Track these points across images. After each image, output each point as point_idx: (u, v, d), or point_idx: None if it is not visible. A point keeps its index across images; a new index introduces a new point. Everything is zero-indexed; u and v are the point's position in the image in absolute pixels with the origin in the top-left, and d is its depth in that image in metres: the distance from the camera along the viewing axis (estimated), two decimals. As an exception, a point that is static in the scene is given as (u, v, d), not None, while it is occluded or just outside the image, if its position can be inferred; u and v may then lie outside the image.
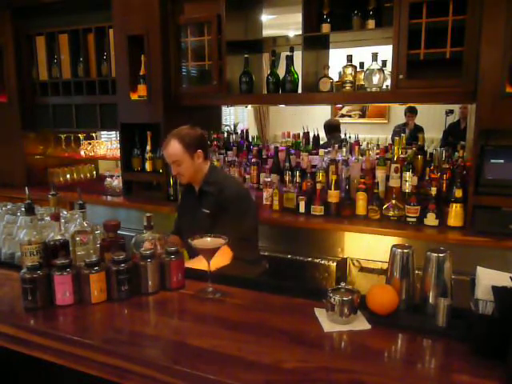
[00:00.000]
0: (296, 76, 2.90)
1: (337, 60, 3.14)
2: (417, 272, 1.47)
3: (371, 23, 2.65)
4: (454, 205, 2.45)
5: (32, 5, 3.59)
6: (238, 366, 1.17)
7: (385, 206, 2.63)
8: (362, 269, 2.60)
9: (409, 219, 2.55)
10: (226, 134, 3.63)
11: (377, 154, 2.85)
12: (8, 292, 1.65)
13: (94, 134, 4.00)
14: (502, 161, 2.39)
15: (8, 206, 2.13)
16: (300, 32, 2.76)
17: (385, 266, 2.35)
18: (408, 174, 2.57)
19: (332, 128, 4.61)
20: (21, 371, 1.79)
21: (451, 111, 5.52)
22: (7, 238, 1.94)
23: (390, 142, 3.09)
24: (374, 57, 2.72)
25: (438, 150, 2.82)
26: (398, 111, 6.97)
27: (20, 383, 1.85)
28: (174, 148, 2.19)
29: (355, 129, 4.82)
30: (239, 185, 2.57)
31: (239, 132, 3.75)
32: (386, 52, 2.71)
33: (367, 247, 2.60)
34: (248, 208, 2.27)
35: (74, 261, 1.60)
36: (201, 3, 3.07)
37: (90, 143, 3.90)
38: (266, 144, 3.79)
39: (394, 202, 2.61)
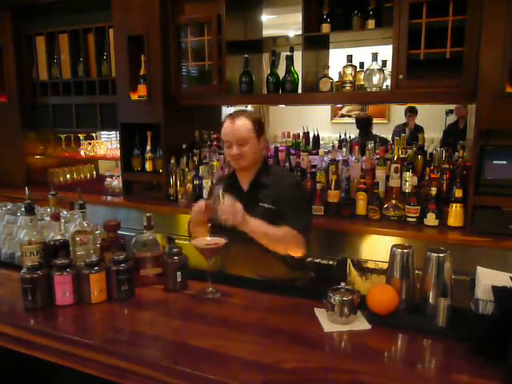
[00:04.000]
0: (296, 76, 2.90)
1: (337, 60, 3.13)
2: (417, 272, 1.47)
3: (371, 23, 2.65)
4: (454, 205, 2.45)
5: (32, 5, 3.59)
6: (238, 366, 1.17)
7: (385, 206, 2.63)
8: (362, 269, 2.60)
9: (409, 219, 2.55)
10: (226, 134, 3.63)
11: (377, 153, 2.85)
12: (8, 292, 1.65)
13: (93, 134, 4.00)
14: (502, 161, 2.38)
15: (8, 206, 2.13)
16: (300, 32, 2.76)
17: (385, 266, 2.35)
18: (408, 174, 2.57)
19: (363, 122, 4.66)
20: (21, 371, 1.79)
21: (451, 111, 5.52)
22: (7, 238, 1.94)
23: (390, 142, 3.08)
24: (374, 57, 2.71)
25: (438, 149, 2.81)
26: (398, 111, 6.96)
27: (20, 383, 1.85)
28: (244, 125, 1.98)
29: (355, 129, 4.82)
30: (292, 174, 2.52)
31: (239, 132, 3.74)
32: (386, 52, 2.70)
33: (367, 247, 2.60)
34: (306, 197, 2.22)
35: (74, 261, 1.60)
36: (201, 3, 3.06)
37: (90, 143, 3.90)
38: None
39: (394, 202, 2.61)
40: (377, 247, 2.55)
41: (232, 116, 2.04)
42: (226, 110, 7.66)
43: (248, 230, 1.82)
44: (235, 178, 2.12)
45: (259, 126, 2.04)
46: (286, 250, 1.92)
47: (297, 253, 1.95)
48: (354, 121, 7.93)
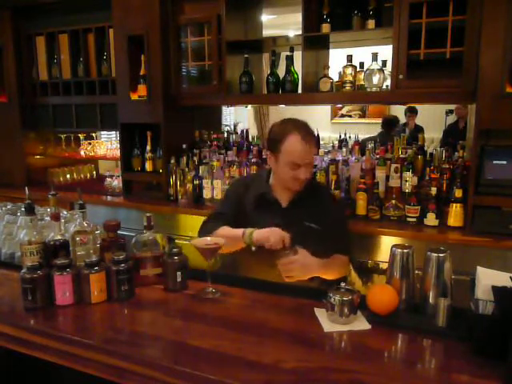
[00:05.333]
0: (296, 76, 2.90)
1: (337, 60, 3.13)
2: (417, 272, 1.47)
3: (371, 23, 2.65)
4: (454, 205, 2.45)
5: (32, 5, 3.59)
6: (238, 365, 1.17)
7: (385, 206, 2.63)
8: (362, 269, 2.60)
9: (409, 219, 2.55)
10: (225, 134, 3.63)
11: (377, 153, 2.85)
12: (8, 292, 1.65)
13: (93, 134, 4.00)
14: (502, 161, 2.39)
15: (8, 206, 2.13)
16: (300, 32, 2.76)
17: (385, 265, 2.35)
18: (408, 174, 2.57)
19: (389, 123, 4.79)
20: (21, 371, 1.79)
21: (451, 111, 5.51)
22: (7, 238, 1.94)
23: (390, 142, 3.08)
24: (374, 57, 2.71)
25: (438, 149, 2.81)
26: (398, 111, 6.96)
27: (20, 383, 1.85)
28: (314, 144, 1.85)
29: (355, 129, 4.82)
30: (329, 189, 2.42)
31: (239, 132, 3.74)
32: (386, 52, 2.70)
33: (367, 247, 2.59)
34: (347, 214, 2.14)
35: (74, 261, 1.60)
36: (201, 3, 3.06)
37: (90, 143, 3.90)
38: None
39: (393, 202, 2.61)
40: (377, 247, 2.55)
41: (300, 132, 1.80)
42: (226, 110, 7.66)
43: (310, 275, 1.78)
44: (271, 192, 1.93)
45: (318, 141, 1.96)
46: (335, 276, 1.88)
47: (341, 274, 1.93)
48: (353, 121, 7.97)
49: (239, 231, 1.81)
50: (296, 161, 1.80)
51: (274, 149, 1.85)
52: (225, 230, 1.86)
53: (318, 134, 3.46)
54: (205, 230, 1.92)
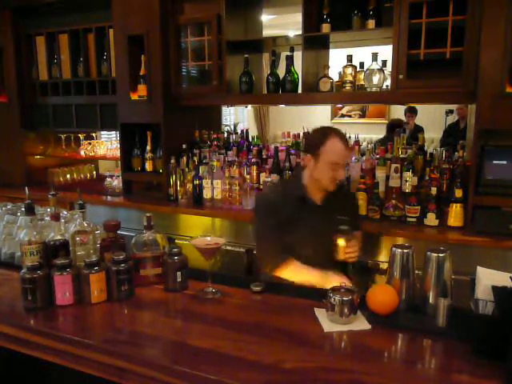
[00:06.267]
0: (296, 76, 2.90)
1: (337, 60, 3.13)
2: (417, 272, 1.47)
3: (371, 23, 2.65)
4: (454, 205, 2.45)
5: (32, 5, 3.58)
6: (238, 365, 1.17)
7: (385, 206, 2.63)
8: (362, 269, 2.60)
9: (409, 219, 2.55)
10: (226, 134, 3.63)
11: (377, 153, 2.85)
12: (8, 292, 1.65)
13: (93, 134, 4.00)
14: (502, 161, 2.39)
15: (8, 206, 2.13)
16: (300, 32, 2.76)
17: (385, 266, 2.35)
18: (408, 174, 2.57)
19: (395, 127, 4.82)
20: (21, 371, 1.79)
21: (451, 111, 5.52)
22: (7, 238, 1.94)
23: (390, 142, 3.08)
24: (374, 57, 2.71)
25: (438, 150, 2.81)
26: (398, 111, 6.96)
27: (20, 383, 1.85)
28: (350, 151, 2.09)
29: (355, 129, 4.81)
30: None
31: (239, 132, 3.74)
32: (386, 52, 2.70)
33: (367, 247, 2.59)
34: None
35: (74, 261, 1.60)
36: (201, 3, 3.06)
37: (90, 143, 3.90)
38: (266, 144, 3.79)
39: (394, 202, 2.60)
40: (377, 247, 2.55)
41: (338, 135, 1.97)
42: (226, 110, 7.65)
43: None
44: (306, 193, 2.07)
45: None
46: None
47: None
48: (353, 121, 7.98)
49: (312, 278, 1.92)
50: (337, 160, 1.95)
51: (314, 152, 1.99)
52: (298, 272, 1.97)
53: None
54: (274, 264, 1.98)
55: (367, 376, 1.12)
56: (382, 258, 2.51)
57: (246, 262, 2.85)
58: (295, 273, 1.95)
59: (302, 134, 3.35)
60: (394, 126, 4.94)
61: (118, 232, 1.69)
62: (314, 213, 2.04)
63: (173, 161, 3.18)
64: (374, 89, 2.72)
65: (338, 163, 1.96)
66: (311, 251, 2.01)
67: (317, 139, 2.01)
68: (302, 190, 2.08)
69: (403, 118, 6.01)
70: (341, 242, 1.92)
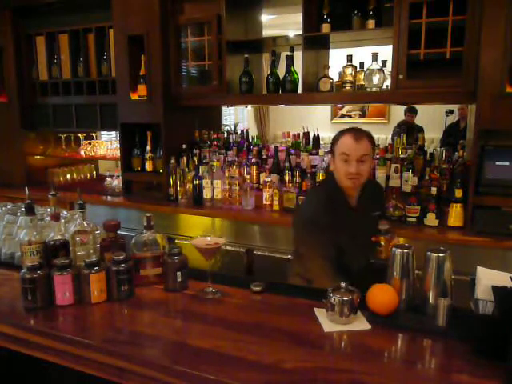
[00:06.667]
0: (296, 76, 2.90)
1: (337, 60, 3.14)
2: (417, 272, 1.47)
3: (371, 23, 2.65)
4: (454, 205, 2.45)
5: (32, 5, 3.59)
6: (238, 365, 1.17)
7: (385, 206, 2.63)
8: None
9: (409, 219, 2.55)
10: (226, 134, 3.63)
11: (377, 153, 2.85)
12: (8, 292, 1.65)
13: (93, 134, 4.00)
14: (502, 161, 2.39)
15: (8, 206, 2.13)
16: (300, 32, 2.76)
17: (385, 266, 2.35)
18: (408, 174, 2.57)
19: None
20: (21, 371, 1.79)
21: (451, 111, 5.52)
22: (7, 238, 1.94)
23: (390, 142, 3.08)
24: (374, 57, 2.72)
25: (438, 150, 2.82)
26: (398, 111, 6.97)
27: (20, 383, 1.85)
28: (366, 143, 1.94)
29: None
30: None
31: (239, 132, 3.75)
32: (386, 52, 2.70)
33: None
34: None
35: (74, 261, 1.60)
36: (201, 3, 3.07)
37: (90, 143, 3.90)
38: (266, 144, 3.79)
39: (394, 201, 2.60)
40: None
41: (351, 132, 1.95)
42: (226, 110, 7.65)
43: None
44: (343, 195, 2.02)
45: (374, 145, 2.02)
46: None
47: None
48: (353, 121, 7.98)
49: None
50: (345, 151, 1.91)
51: (332, 150, 2.02)
52: None
53: (318, 134, 3.47)
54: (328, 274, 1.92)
55: (367, 376, 1.12)
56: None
57: (246, 262, 2.85)
58: None
59: (301, 134, 3.35)
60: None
61: (118, 232, 1.69)
62: (351, 213, 2.02)
63: (173, 161, 3.18)
64: (374, 89, 2.72)
65: (346, 154, 1.91)
66: (350, 253, 1.97)
67: (334, 139, 2.02)
68: (339, 192, 2.02)
69: (403, 117, 6.02)
70: (385, 240, 1.92)
